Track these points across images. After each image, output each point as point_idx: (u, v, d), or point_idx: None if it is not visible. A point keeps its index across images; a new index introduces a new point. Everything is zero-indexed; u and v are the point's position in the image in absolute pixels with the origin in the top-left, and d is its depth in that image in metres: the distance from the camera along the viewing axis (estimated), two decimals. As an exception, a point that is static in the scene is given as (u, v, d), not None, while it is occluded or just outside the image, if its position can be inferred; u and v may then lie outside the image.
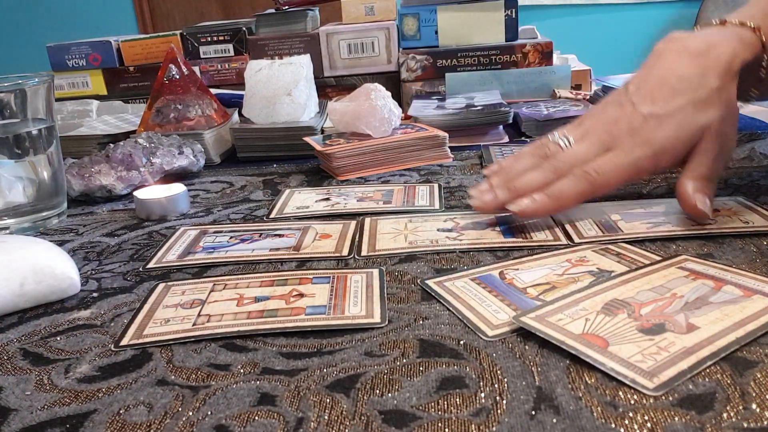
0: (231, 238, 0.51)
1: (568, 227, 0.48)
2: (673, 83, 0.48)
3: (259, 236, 0.50)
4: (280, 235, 0.50)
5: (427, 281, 0.40)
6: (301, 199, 0.60)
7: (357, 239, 0.49)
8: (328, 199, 0.60)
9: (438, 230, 0.49)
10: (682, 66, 0.48)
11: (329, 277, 0.42)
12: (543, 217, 0.49)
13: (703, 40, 0.49)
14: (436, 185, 0.61)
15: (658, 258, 0.41)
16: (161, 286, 0.43)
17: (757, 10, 0.52)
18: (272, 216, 0.57)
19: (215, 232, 0.52)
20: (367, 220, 0.53)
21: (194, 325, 0.37)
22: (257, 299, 0.39)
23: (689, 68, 0.48)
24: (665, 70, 0.49)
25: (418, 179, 0.64)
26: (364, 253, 0.46)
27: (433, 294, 0.39)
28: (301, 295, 0.40)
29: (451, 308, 0.37)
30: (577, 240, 0.46)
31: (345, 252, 0.47)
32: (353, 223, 0.52)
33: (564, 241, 0.46)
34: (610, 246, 0.44)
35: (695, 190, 0.46)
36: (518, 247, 0.45)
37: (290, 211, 0.57)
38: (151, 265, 0.47)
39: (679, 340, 0.31)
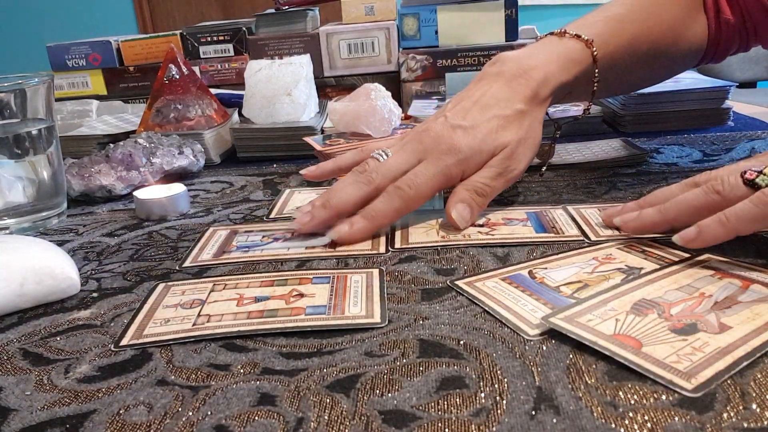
0: (264, 237, 0.51)
1: (583, 225, 0.48)
2: (484, 102, 0.51)
3: (291, 234, 0.51)
4: (312, 234, 0.50)
5: (456, 282, 0.40)
6: (301, 199, 0.60)
7: (389, 233, 0.50)
8: None
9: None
10: (494, 88, 0.52)
11: (329, 277, 0.42)
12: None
13: (521, 64, 0.53)
14: None
15: (684, 255, 0.41)
16: (161, 286, 0.43)
17: (600, 18, 0.57)
18: (272, 216, 0.57)
19: (246, 232, 0.52)
20: None
21: (194, 325, 0.37)
22: (257, 299, 0.39)
23: (501, 91, 0.52)
24: (481, 91, 0.52)
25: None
26: (397, 246, 0.47)
27: (464, 294, 0.39)
28: (301, 295, 0.40)
29: (486, 308, 0.37)
30: (593, 238, 0.46)
31: (381, 249, 0.47)
32: None
33: (593, 238, 0.46)
34: (633, 243, 0.44)
35: (460, 200, 0.49)
36: (549, 242, 0.45)
37: (290, 211, 0.57)
38: (186, 264, 0.47)
39: (713, 340, 0.31)
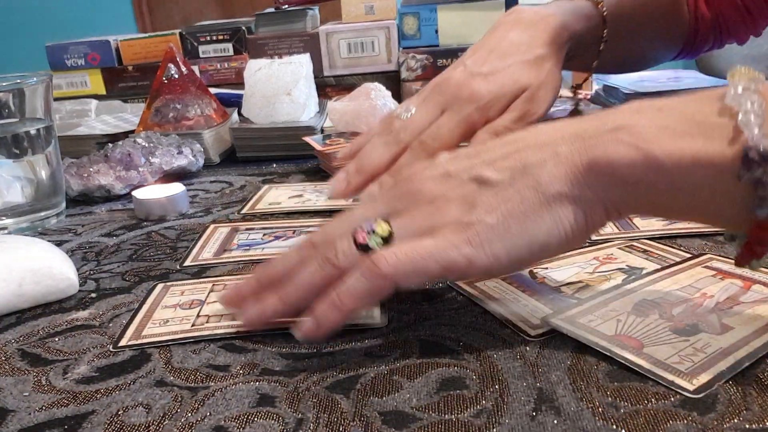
0: (265, 235, 0.51)
1: None
2: (503, 48, 0.52)
3: (293, 233, 0.50)
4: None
5: (456, 281, 0.40)
6: (276, 195, 0.61)
7: None
8: (301, 195, 0.60)
9: None
10: (513, 34, 0.52)
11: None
12: None
13: (538, 11, 0.54)
14: None
15: (686, 255, 0.41)
16: (160, 286, 0.43)
17: None
18: (244, 211, 0.57)
19: (247, 230, 0.52)
20: None
21: (193, 325, 0.37)
22: None
23: (520, 36, 0.52)
24: (498, 38, 0.53)
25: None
26: None
27: (465, 294, 0.38)
28: None
29: (487, 308, 0.36)
30: (593, 237, 0.45)
31: None
32: None
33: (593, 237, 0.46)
34: (634, 243, 0.44)
35: (483, 141, 0.48)
36: None
37: (263, 206, 0.58)
38: (187, 263, 0.47)
39: (715, 340, 0.31)
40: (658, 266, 0.40)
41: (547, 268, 0.41)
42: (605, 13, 0.56)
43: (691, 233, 0.45)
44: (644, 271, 0.39)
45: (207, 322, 0.37)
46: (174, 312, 0.39)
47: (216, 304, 0.39)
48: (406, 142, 0.49)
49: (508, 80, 0.50)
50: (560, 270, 0.40)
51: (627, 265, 0.40)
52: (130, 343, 0.36)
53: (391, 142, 0.49)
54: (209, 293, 0.41)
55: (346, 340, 0.34)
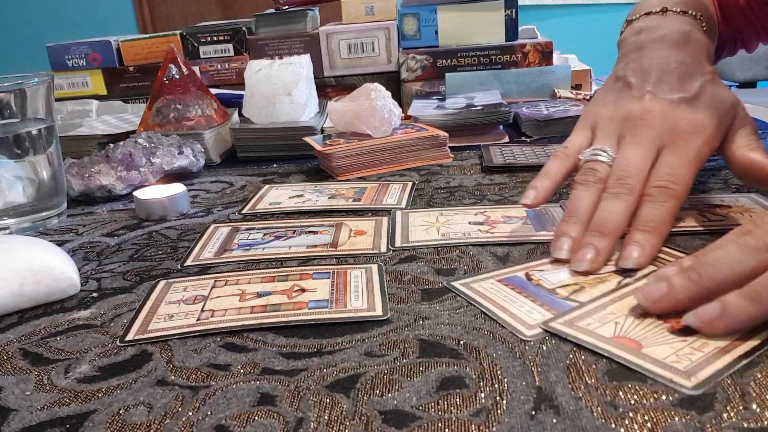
0: (265, 235, 0.51)
1: None
2: (676, 69, 0.46)
3: (293, 233, 0.51)
4: (314, 232, 0.50)
5: (453, 283, 0.40)
6: (276, 195, 0.61)
7: (390, 231, 0.50)
8: (301, 195, 0.60)
9: (469, 223, 0.50)
10: (674, 53, 0.47)
11: (329, 272, 0.42)
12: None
13: (675, 29, 0.49)
14: (410, 183, 0.62)
15: (680, 255, 0.41)
16: (162, 282, 0.43)
17: None
18: (244, 211, 0.58)
19: (247, 230, 0.53)
20: (398, 213, 0.54)
21: (198, 320, 0.37)
22: (259, 294, 0.40)
23: (683, 55, 0.47)
24: (660, 58, 0.47)
25: (418, 179, 0.64)
26: (398, 244, 0.47)
27: (461, 296, 0.38)
28: (303, 290, 0.40)
29: (483, 310, 0.36)
30: None
31: (383, 248, 0.47)
32: (385, 219, 0.53)
33: None
34: None
35: (765, 157, 0.43)
36: (549, 241, 0.45)
37: (263, 206, 0.58)
38: (188, 262, 0.47)
39: (713, 340, 0.31)
40: (654, 268, 0.40)
41: (543, 270, 0.41)
42: (704, 28, 0.52)
43: (689, 232, 0.45)
44: (640, 273, 0.39)
45: (212, 316, 0.37)
46: (178, 307, 0.39)
47: (219, 299, 0.39)
48: (639, 190, 0.42)
49: (718, 102, 0.45)
50: (555, 272, 0.41)
51: (622, 267, 0.40)
52: (137, 337, 0.36)
53: (618, 192, 0.42)
54: (212, 289, 0.41)
55: (346, 340, 0.35)
